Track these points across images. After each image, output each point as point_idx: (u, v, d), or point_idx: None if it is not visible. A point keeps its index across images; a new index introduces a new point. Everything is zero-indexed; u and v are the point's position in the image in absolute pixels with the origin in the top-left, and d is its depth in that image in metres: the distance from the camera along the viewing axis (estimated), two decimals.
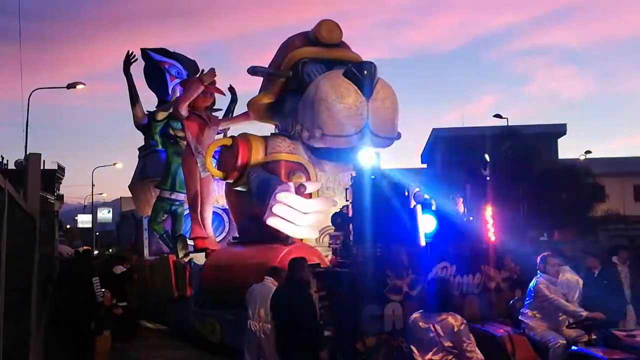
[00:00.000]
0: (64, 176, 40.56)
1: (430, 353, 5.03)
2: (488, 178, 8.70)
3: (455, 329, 4.99)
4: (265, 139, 10.62)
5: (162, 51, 15.81)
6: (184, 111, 12.43)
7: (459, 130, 36.57)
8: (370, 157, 7.66)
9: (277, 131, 11.14)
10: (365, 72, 9.42)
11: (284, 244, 9.15)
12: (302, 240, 9.54)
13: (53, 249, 11.68)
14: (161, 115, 14.83)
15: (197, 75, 12.98)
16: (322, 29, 10.50)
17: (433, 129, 40.11)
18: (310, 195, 9.83)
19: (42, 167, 8.57)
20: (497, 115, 30.76)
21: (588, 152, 34.67)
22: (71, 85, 25.12)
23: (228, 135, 12.89)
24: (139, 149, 16.21)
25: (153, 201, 14.60)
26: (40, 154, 7.37)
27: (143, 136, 15.80)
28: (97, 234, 46.41)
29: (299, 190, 9.43)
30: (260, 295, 7.59)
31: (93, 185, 46.22)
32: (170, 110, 14.23)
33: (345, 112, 9.41)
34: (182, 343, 11.32)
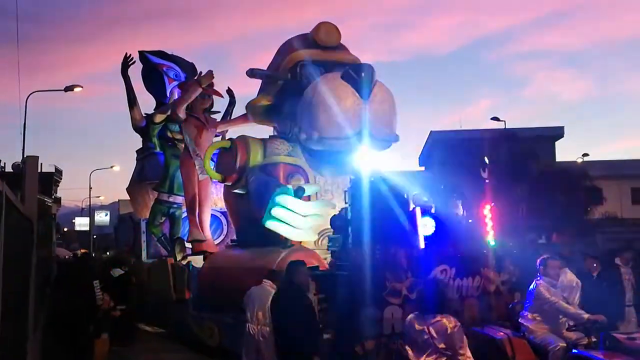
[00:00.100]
0: (61, 179, 40.58)
1: (425, 355, 5.06)
2: (487, 180, 8.70)
3: (449, 331, 5.02)
4: (263, 141, 10.59)
5: (160, 54, 15.80)
6: (181, 114, 12.41)
7: (457, 133, 36.60)
8: (368, 160, 7.65)
9: (275, 133, 11.12)
10: (363, 74, 9.39)
11: (283, 246, 9.13)
12: (300, 243, 9.52)
13: (50, 252, 11.63)
14: (159, 118, 14.80)
15: (195, 78, 12.96)
16: (321, 32, 10.49)
17: (431, 131, 40.14)
18: (309, 198, 9.81)
19: (39, 170, 8.55)
20: (495, 118, 30.82)
21: (585, 154, 34.76)
22: (69, 88, 25.11)
23: (226, 138, 12.88)
24: (137, 151, 16.18)
25: (151, 204, 14.57)
26: (37, 157, 7.36)
27: (141, 139, 15.78)
28: (95, 236, 46.36)
29: (298, 192, 9.41)
30: (258, 299, 7.56)
31: (90, 188, 46.20)
32: (168, 113, 14.21)
33: (343, 114, 9.38)
34: (180, 346, 11.27)
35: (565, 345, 6.28)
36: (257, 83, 11.31)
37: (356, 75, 9.40)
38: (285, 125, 10.54)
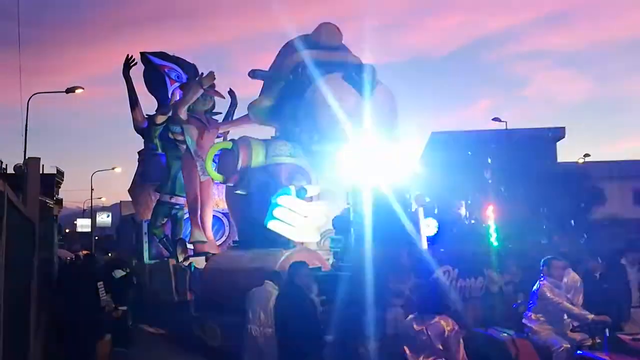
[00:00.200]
0: (63, 180, 40.49)
1: (422, 355, 5.05)
2: (490, 181, 8.68)
3: (446, 334, 5.02)
4: (265, 142, 10.58)
5: (162, 55, 15.79)
6: (183, 115, 12.42)
7: (458, 133, 36.53)
8: (370, 161, 7.65)
9: (277, 134, 11.11)
10: (365, 75, 9.39)
11: (285, 247, 9.11)
12: (303, 243, 9.51)
13: (52, 254, 11.63)
14: (160, 119, 14.80)
15: (197, 79, 12.96)
16: (322, 32, 10.48)
17: (432, 132, 40.07)
18: (310, 199, 9.80)
19: (41, 172, 8.53)
20: (496, 119, 30.78)
21: (587, 155, 34.71)
22: (70, 90, 25.10)
23: (228, 139, 12.87)
24: (138, 152, 16.17)
25: (153, 205, 14.57)
26: (39, 158, 7.34)
27: (143, 140, 15.77)
28: (97, 238, 46.35)
29: (300, 193, 9.40)
30: (260, 300, 7.55)
31: (92, 189, 46.21)
32: (170, 114, 14.21)
33: (344, 115, 9.38)
34: (182, 347, 11.25)
35: (569, 346, 6.23)
36: (259, 84, 11.30)
37: (358, 76, 9.40)
38: (286, 126, 10.54)
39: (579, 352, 5.88)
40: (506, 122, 30.72)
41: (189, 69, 15.56)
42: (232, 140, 11.26)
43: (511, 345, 6.46)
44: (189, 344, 11.02)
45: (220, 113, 14.48)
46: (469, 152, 24.83)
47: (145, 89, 15.88)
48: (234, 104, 15.23)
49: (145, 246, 14.57)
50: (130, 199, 17.08)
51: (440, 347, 4.98)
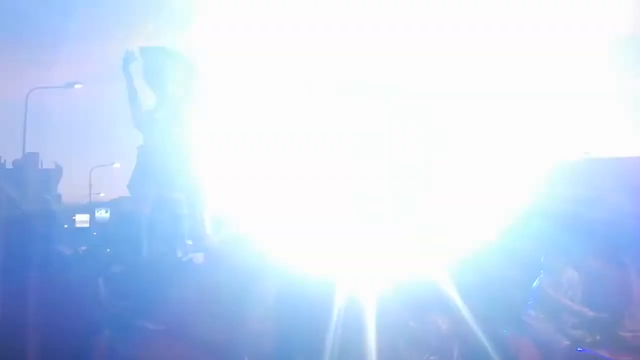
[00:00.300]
0: (61, 176, 40.41)
1: (417, 352, 5.18)
2: None
3: (443, 332, 4.97)
4: None
5: (162, 50, 15.68)
6: None
7: None
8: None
9: None
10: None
11: None
12: None
13: (50, 250, 11.57)
14: None
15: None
16: None
17: None
18: None
19: (39, 167, 8.50)
20: None
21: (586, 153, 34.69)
22: (69, 85, 25.06)
23: None
24: (138, 148, 16.08)
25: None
26: (38, 154, 7.31)
27: (142, 136, 15.67)
28: (95, 234, 46.23)
29: None
30: (260, 295, 7.51)
31: (91, 185, 46.06)
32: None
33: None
34: (182, 344, 11.23)
35: (569, 343, 6.21)
36: None
37: None
38: None
39: (580, 349, 5.85)
40: None
41: (189, 64, 15.45)
42: None
43: (511, 342, 6.44)
44: (189, 340, 11.00)
45: None
46: None
47: (145, 84, 15.78)
48: None
49: (144, 242, 14.52)
50: (129, 195, 17.01)
51: (436, 345, 4.99)
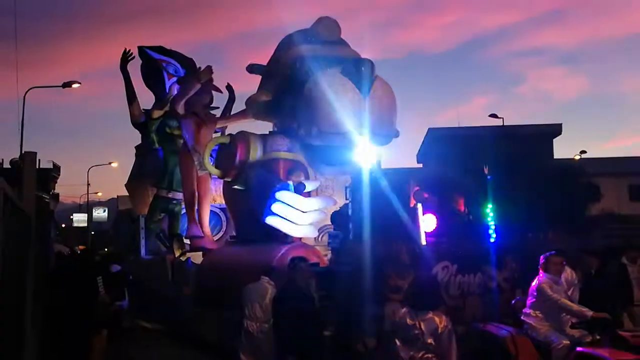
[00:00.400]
0: (59, 175, 40.41)
1: (413, 349, 5.07)
2: (490, 177, 8.66)
3: (439, 330, 5.05)
4: (263, 137, 10.53)
5: (160, 49, 15.67)
6: (180, 109, 12.34)
7: (455, 130, 36.53)
8: (370, 155, 7.61)
9: (275, 129, 11.05)
10: (363, 69, 9.33)
11: (283, 243, 9.08)
12: (301, 239, 9.48)
13: (48, 248, 11.56)
14: (157, 114, 14.72)
15: (194, 73, 12.88)
16: (321, 26, 10.41)
17: (429, 128, 40.07)
18: (309, 194, 9.76)
19: (37, 166, 8.47)
20: (493, 115, 30.77)
21: (583, 152, 34.75)
22: (67, 84, 25.05)
23: (226, 134, 12.81)
24: (136, 147, 16.08)
25: (150, 200, 14.51)
26: (35, 153, 7.28)
27: (140, 135, 15.68)
28: (93, 233, 46.26)
29: (298, 188, 9.37)
30: (255, 295, 7.53)
31: (88, 184, 46.12)
32: (167, 109, 14.13)
33: (342, 109, 9.32)
34: (179, 343, 11.22)
35: (568, 342, 6.19)
36: (257, 80, 11.24)
37: (356, 70, 9.33)
38: (285, 120, 10.48)
39: (580, 348, 5.84)
40: (503, 119, 30.75)
41: (187, 63, 15.45)
42: (230, 135, 11.20)
43: (510, 341, 6.43)
44: (186, 339, 11.00)
45: (218, 108, 14.38)
46: (467, 149, 24.87)
47: (143, 83, 15.79)
48: (232, 99, 15.13)
49: (142, 241, 14.50)
50: (127, 194, 17.00)
51: (432, 343, 5.00)
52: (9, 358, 4.84)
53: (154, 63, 15.39)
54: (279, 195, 9.07)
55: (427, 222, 7.46)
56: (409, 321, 5.13)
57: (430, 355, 5.02)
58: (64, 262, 11.12)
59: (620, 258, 9.52)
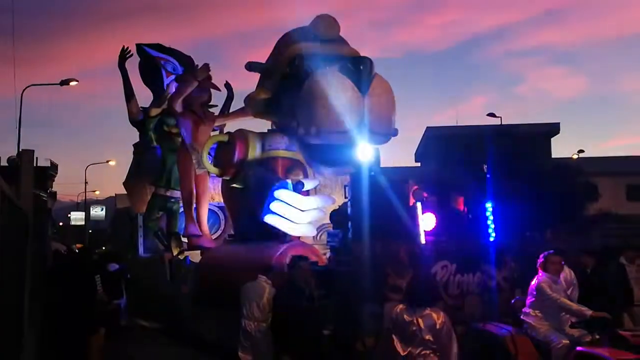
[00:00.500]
0: (56, 173, 40.29)
1: (411, 346, 5.05)
2: (488, 176, 8.63)
3: (437, 327, 5.04)
4: (262, 135, 10.51)
5: (158, 47, 15.62)
6: (178, 107, 12.30)
7: (454, 129, 36.55)
8: (369, 154, 7.59)
9: (274, 127, 11.03)
10: (362, 67, 9.28)
11: (281, 241, 9.06)
12: (299, 237, 9.46)
13: (46, 246, 11.53)
14: (154, 112, 14.67)
15: (191, 71, 12.85)
16: (320, 24, 10.36)
17: (427, 127, 40.08)
18: (307, 193, 9.74)
19: (34, 164, 8.44)
20: (491, 114, 30.77)
21: (581, 151, 34.79)
22: (64, 82, 25.00)
23: (225, 132, 12.78)
24: (134, 145, 16.04)
25: (148, 198, 14.47)
26: (33, 151, 7.26)
27: (138, 133, 15.64)
28: (90, 231, 46.20)
29: (297, 187, 9.34)
30: (253, 294, 7.50)
31: (86, 182, 46.06)
32: (164, 107, 14.08)
33: (341, 107, 9.27)
34: (177, 341, 11.19)
35: (568, 342, 6.16)
36: (255, 78, 11.20)
37: (355, 68, 9.29)
38: (283, 119, 10.44)
39: (579, 348, 5.82)
40: (501, 118, 30.75)
41: (185, 61, 15.40)
42: (228, 133, 11.17)
43: (510, 341, 6.41)
44: (184, 338, 10.98)
45: (217, 106, 14.35)
46: (465, 148, 24.88)
47: (141, 81, 15.75)
48: (230, 97, 15.09)
49: (140, 240, 14.46)
50: (125, 192, 16.96)
51: (430, 339, 5.00)
52: (7, 356, 4.82)
53: (152, 60, 15.34)
54: (278, 193, 9.05)
55: (427, 221, 7.42)
56: (406, 318, 5.13)
57: (428, 352, 5.02)
58: (62, 261, 11.09)
59: (618, 258, 9.53)
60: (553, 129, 37.43)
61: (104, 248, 21.71)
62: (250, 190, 9.89)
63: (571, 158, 33.24)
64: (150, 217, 14.20)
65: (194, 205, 12.51)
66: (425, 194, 8.05)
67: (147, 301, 12.90)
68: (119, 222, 18.13)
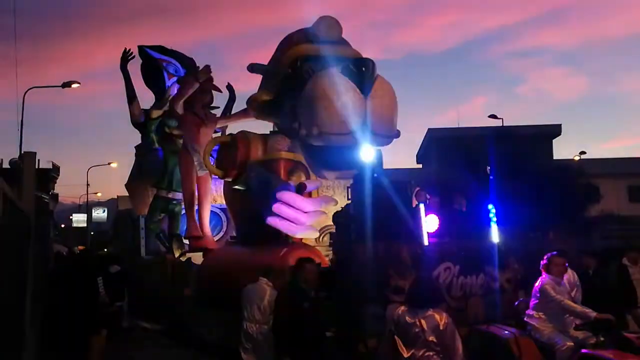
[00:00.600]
0: (58, 175, 40.36)
1: (414, 348, 5.03)
2: (491, 177, 8.60)
3: (441, 327, 5.02)
4: (264, 137, 10.50)
5: (160, 48, 15.64)
6: (179, 109, 12.30)
7: (455, 130, 36.52)
8: (371, 155, 7.57)
9: (276, 129, 11.02)
10: (364, 69, 9.27)
11: (284, 243, 9.04)
12: (301, 239, 9.43)
13: (48, 248, 11.54)
14: (155, 113, 14.69)
15: (192, 73, 12.85)
16: (322, 26, 10.34)
17: (428, 129, 40.08)
18: (310, 194, 9.72)
19: (36, 166, 8.45)
20: (493, 116, 30.75)
21: (582, 152, 34.74)
22: (66, 84, 25.04)
23: (227, 134, 12.77)
24: (136, 147, 16.05)
25: (150, 200, 14.47)
26: (35, 153, 7.26)
27: (140, 135, 15.65)
28: (92, 233, 46.24)
29: (299, 189, 9.32)
30: (254, 296, 7.49)
31: (88, 184, 46.11)
32: (166, 108, 14.09)
33: (343, 109, 9.24)
34: (178, 343, 11.18)
35: (572, 344, 6.13)
36: (257, 80, 11.20)
37: (357, 69, 9.27)
38: (285, 120, 10.42)
39: (584, 350, 5.78)
40: (502, 119, 30.71)
41: (187, 63, 15.42)
42: (230, 134, 11.16)
43: (513, 343, 6.38)
44: (186, 340, 10.96)
45: (218, 107, 14.36)
46: (466, 150, 24.85)
47: (143, 83, 15.76)
48: (232, 99, 15.10)
49: (142, 242, 14.46)
50: (126, 194, 16.97)
51: (434, 340, 4.98)
52: (8, 358, 4.81)
53: (154, 62, 15.36)
54: (280, 195, 9.03)
55: (429, 223, 7.40)
56: (408, 319, 5.11)
57: (431, 353, 5.00)
58: (64, 262, 11.09)
59: (621, 259, 9.50)
60: (554, 130, 37.42)
61: (105, 250, 21.69)
62: (252, 192, 9.87)
63: (573, 159, 33.20)
64: (152, 219, 14.20)
65: (196, 207, 12.51)
66: (428, 196, 8.04)
67: (148, 303, 12.89)
68: (121, 224, 18.14)
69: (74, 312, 7.42)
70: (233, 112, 14.55)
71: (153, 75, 15.39)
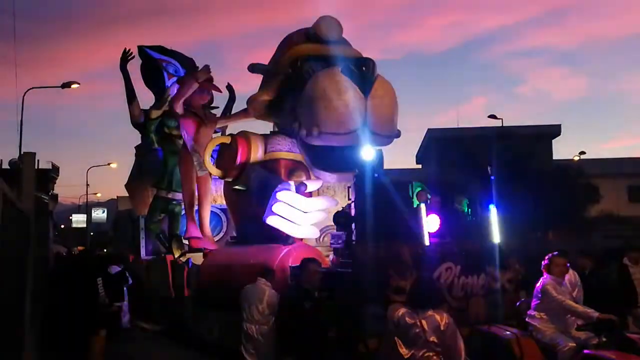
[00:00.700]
0: (58, 176, 40.29)
1: (414, 348, 5.02)
2: (492, 178, 8.58)
3: (442, 328, 5.00)
4: (264, 137, 10.48)
5: (160, 49, 15.64)
6: (178, 109, 12.28)
7: (455, 130, 36.51)
8: (372, 155, 7.56)
9: (276, 129, 11.00)
10: (364, 68, 9.24)
11: (284, 243, 9.02)
12: (302, 240, 9.42)
13: (48, 249, 11.52)
14: (155, 114, 14.68)
15: (191, 73, 12.83)
16: (322, 26, 10.33)
17: (428, 129, 40.09)
18: (310, 194, 9.70)
19: (36, 167, 8.43)
20: (492, 116, 30.73)
21: (582, 152, 34.76)
22: (66, 85, 25.03)
23: (227, 134, 12.75)
24: (135, 147, 16.06)
25: (150, 200, 14.46)
26: (34, 154, 7.23)
27: (140, 135, 15.64)
28: (92, 234, 46.23)
29: (300, 189, 9.31)
30: (253, 297, 7.49)
31: (88, 185, 46.09)
32: (165, 108, 14.07)
33: (343, 109, 9.22)
34: (178, 344, 11.17)
35: (574, 345, 6.10)
36: (257, 80, 11.20)
37: (357, 69, 9.25)
38: (286, 120, 10.40)
39: (586, 351, 5.75)
40: (502, 119, 30.72)
41: (187, 63, 15.42)
42: (230, 135, 11.13)
43: (515, 343, 6.37)
44: (185, 340, 10.95)
45: (218, 107, 14.35)
46: (466, 150, 24.84)
47: (143, 83, 15.75)
48: (232, 99, 15.10)
49: (142, 242, 14.46)
50: (127, 194, 16.97)
51: (435, 341, 4.96)
52: (8, 358, 4.80)
53: (153, 62, 15.36)
54: (280, 195, 9.01)
55: (431, 223, 7.38)
56: (409, 320, 5.10)
57: (432, 354, 4.99)
58: (63, 263, 11.07)
59: (621, 259, 9.49)
60: (554, 130, 37.43)
61: (105, 250, 21.68)
62: (252, 192, 9.85)
63: (572, 159, 33.21)
64: (152, 220, 14.19)
65: (196, 207, 12.49)
66: (429, 196, 8.02)
67: (148, 303, 12.88)
68: (121, 225, 18.16)
69: (73, 312, 7.41)
70: (233, 112, 14.53)
71: (153, 75, 15.38)
